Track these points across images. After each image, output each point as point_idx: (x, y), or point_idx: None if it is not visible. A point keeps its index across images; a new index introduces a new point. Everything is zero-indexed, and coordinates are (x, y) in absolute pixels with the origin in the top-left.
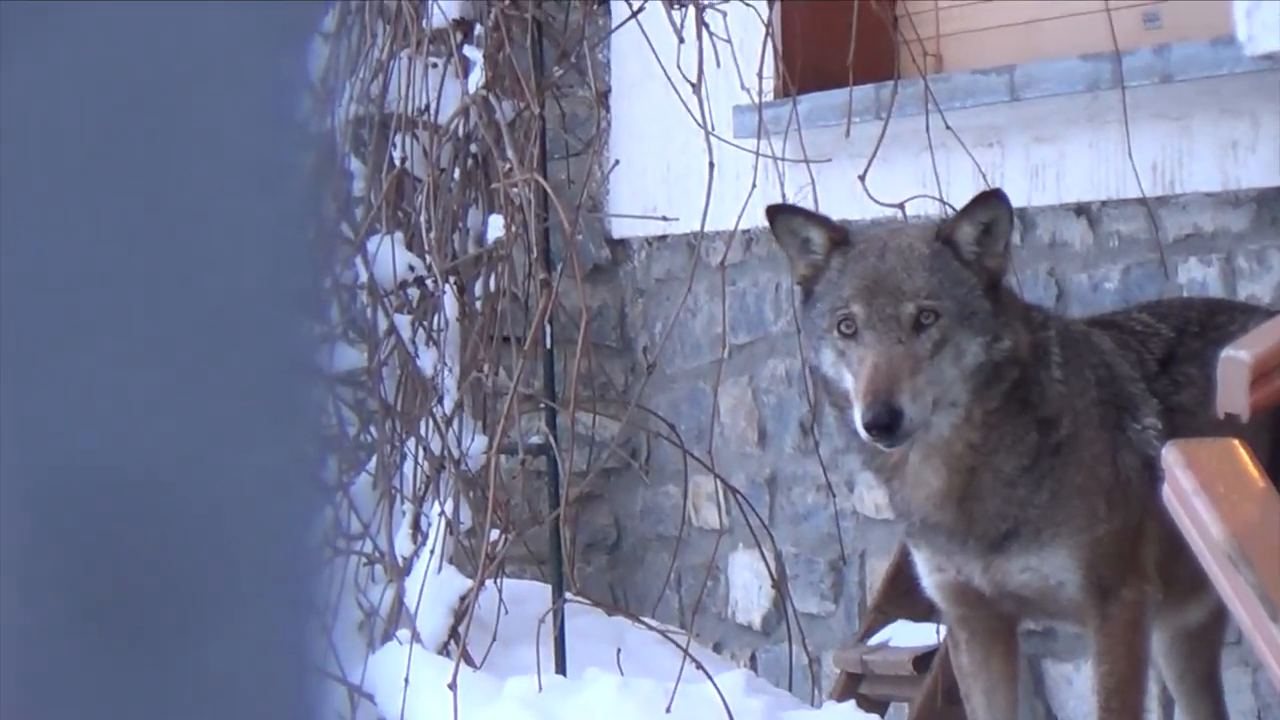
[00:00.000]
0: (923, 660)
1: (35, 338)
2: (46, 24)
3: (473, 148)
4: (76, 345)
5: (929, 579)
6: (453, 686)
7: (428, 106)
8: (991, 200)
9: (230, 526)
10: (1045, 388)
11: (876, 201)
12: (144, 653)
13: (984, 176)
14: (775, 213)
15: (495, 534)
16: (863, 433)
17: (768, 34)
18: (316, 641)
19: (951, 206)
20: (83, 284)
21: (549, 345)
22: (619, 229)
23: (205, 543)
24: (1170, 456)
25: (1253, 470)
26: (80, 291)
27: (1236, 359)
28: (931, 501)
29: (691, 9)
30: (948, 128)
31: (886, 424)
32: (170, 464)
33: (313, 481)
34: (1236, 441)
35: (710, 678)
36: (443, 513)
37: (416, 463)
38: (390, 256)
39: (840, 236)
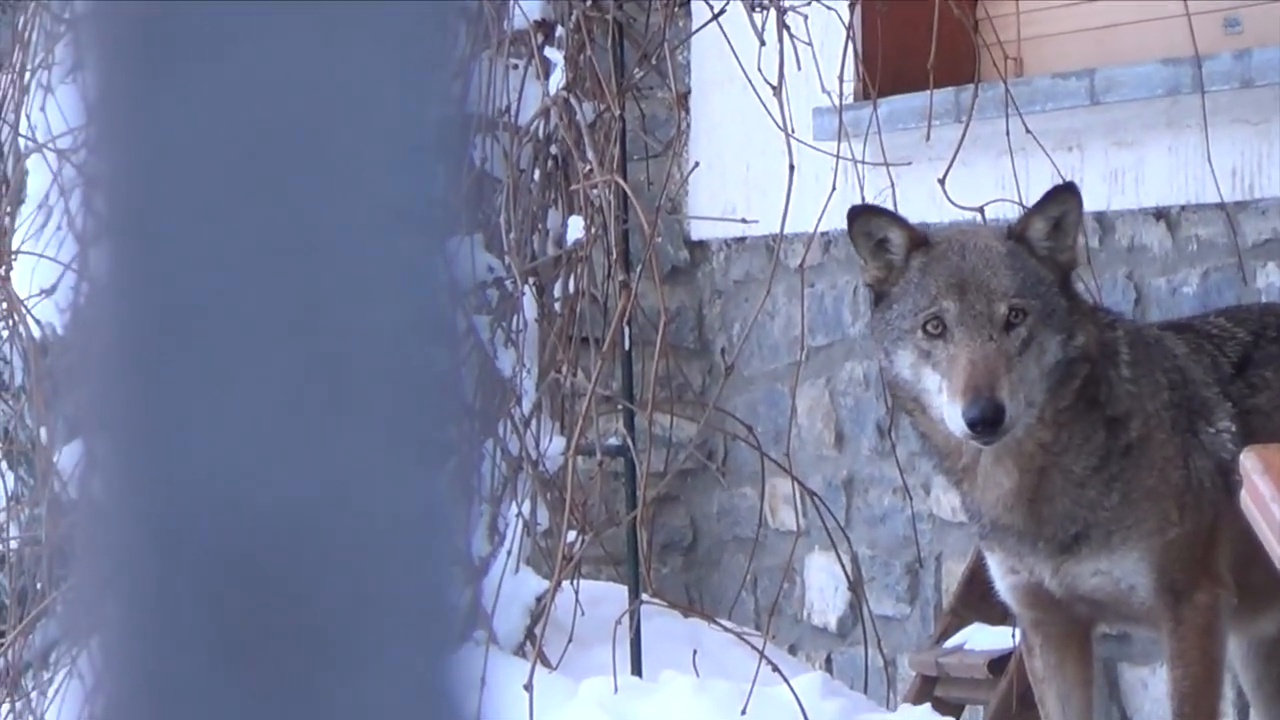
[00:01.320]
0: (998, 664)
1: (179, 365)
2: (209, 53)
3: (553, 149)
4: (221, 374)
5: (1002, 582)
6: (529, 688)
7: (508, 107)
8: (1061, 194)
9: (370, 561)
10: (1114, 387)
11: (956, 205)
12: (279, 690)
13: (1063, 178)
14: (856, 214)
15: (572, 535)
16: (963, 430)
17: (848, 37)
18: (454, 679)
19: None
20: (228, 312)
21: (627, 347)
22: (698, 231)
23: (344, 578)
24: (1248, 462)
25: None
26: (225, 319)
27: None
28: (1003, 503)
29: (773, 11)
30: (1028, 131)
31: (991, 419)
32: (310, 497)
33: (453, 517)
34: None
35: (786, 680)
36: (520, 513)
37: (494, 463)
38: (470, 257)
39: (920, 238)
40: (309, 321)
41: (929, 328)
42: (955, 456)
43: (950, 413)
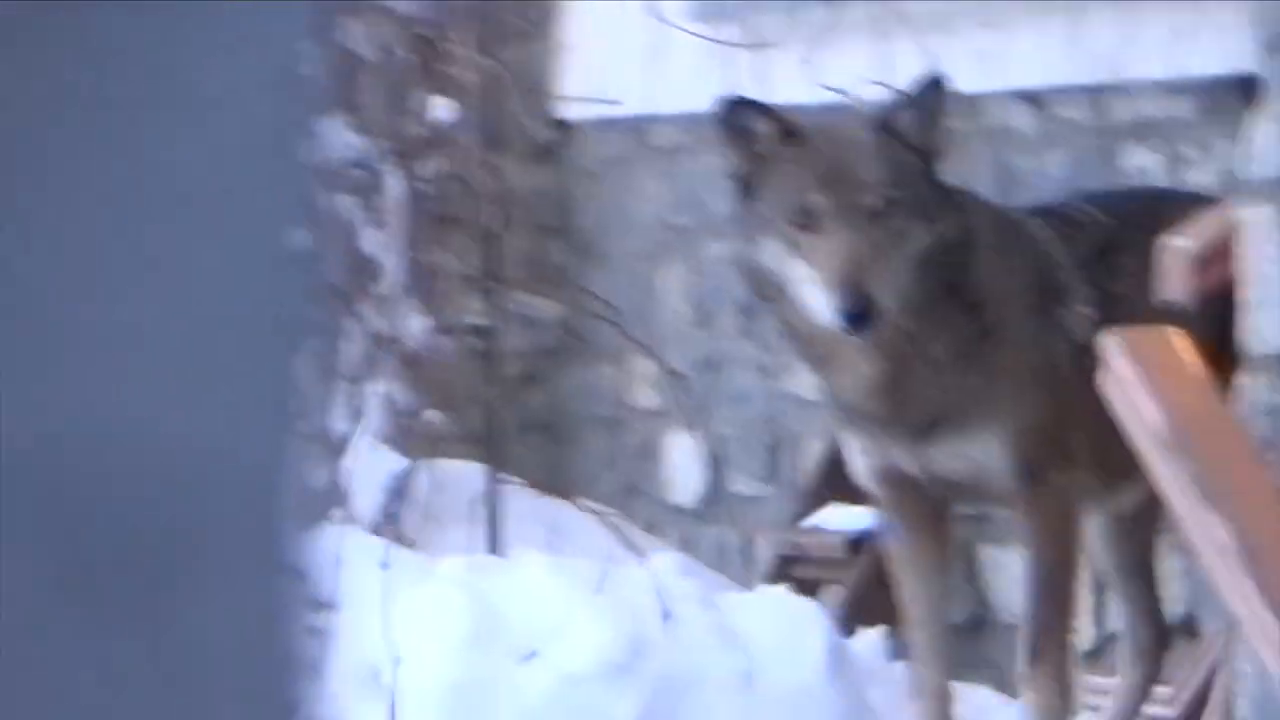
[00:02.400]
0: (856, 544)
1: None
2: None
3: (421, 30)
4: (67, 317)
5: (860, 464)
6: (386, 565)
7: None
8: (930, 84)
9: (216, 497)
10: (976, 272)
11: (824, 87)
12: (128, 620)
13: (931, 63)
14: (725, 104)
15: (432, 414)
16: (836, 322)
17: None
18: (301, 611)
19: (901, 92)
20: (76, 259)
21: (492, 226)
22: (565, 112)
23: (191, 514)
24: (1108, 344)
25: (1190, 359)
26: (72, 268)
27: (1177, 247)
28: (863, 390)
29: None
30: (894, 14)
31: (864, 311)
32: (157, 436)
33: (300, 455)
34: (1175, 330)
35: (643, 559)
36: (381, 392)
37: (357, 342)
38: (337, 137)
39: (789, 128)
40: (156, 265)
41: (798, 218)
42: (817, 344)
43: (821, 304)
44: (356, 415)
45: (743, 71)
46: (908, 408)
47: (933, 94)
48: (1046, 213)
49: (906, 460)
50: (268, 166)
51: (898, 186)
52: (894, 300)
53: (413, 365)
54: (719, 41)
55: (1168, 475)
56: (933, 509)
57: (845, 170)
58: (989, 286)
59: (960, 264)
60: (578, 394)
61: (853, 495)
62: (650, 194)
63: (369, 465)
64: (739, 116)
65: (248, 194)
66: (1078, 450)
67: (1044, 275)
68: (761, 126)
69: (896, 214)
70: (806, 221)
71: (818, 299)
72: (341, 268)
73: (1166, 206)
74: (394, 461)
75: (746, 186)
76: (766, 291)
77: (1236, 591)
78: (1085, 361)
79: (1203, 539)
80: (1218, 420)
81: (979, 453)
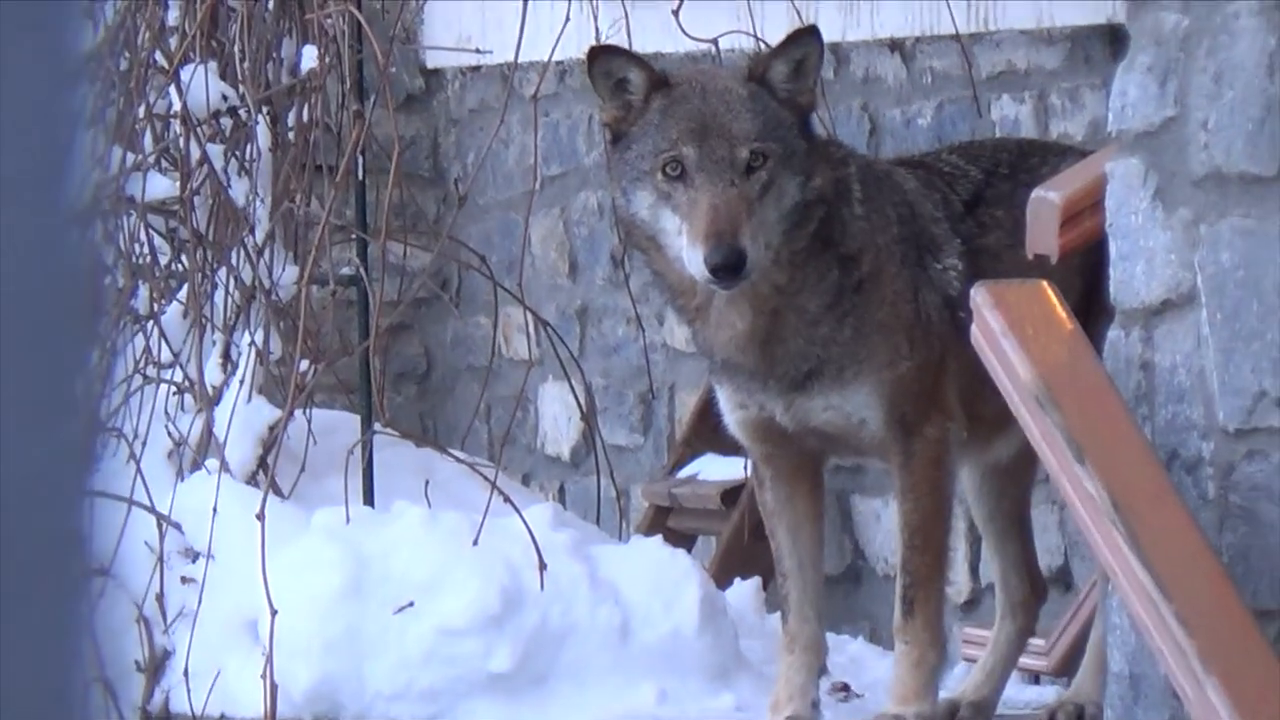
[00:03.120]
0: (730, 495)
1: None
2: None
3: None
4: None
5: (731, 416)
6: (260, 517)
7: None
8: (802, 37)
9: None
10: (847, 225)
11: (690, 37)
12: None
13: (798, 11)
14: (595, 53)
15: (305, 364)
16: (704, 275)
17: None
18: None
19: (765, 43)
20: None
21: (361, 175)
22: (433, 59)
23: None
24: (979, 297)
25: (1061, 312)
26: None
27: (1047, 200)
28: (735, 343)
29: None
30: None
31: (733, 264)
32: None
33: (81, 466)
34: (1046, 283)
35: (518, 511)
36: (253, 342)
37: (228, 292)
38: (204, 85)
39: (660, 79)
40: None
41: (668, 170)
42: (689, 296)
43: (691, 257)
44: (229, 366)
45: (609, 19)
46: (781, 360)
47: (806, 46)
48: (916, 165)
49: (780, 412)
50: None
51: (768, 139)
52: (764, 253)
53: (284, 315)
54: None
55: (1039, 429)
56: (806, 460)
57: (715, 121)
58: (860, 239)
59: (832, 217)
60: (451, 344)
61: (726, 446)
62: (519, 142)
63: (242, 416)
64: (609, 64)
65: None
66: (950, 402)
67: (913, 226)
68: (632, 75)
69: (766, 167)
70: (676, 173)
71: (687, 251)
72: (213, 217)
73: (1035, 158)
74: (267, 412)
75: (617, 136)
76: (639, 242)
77: (1107, 544)
78: (954, 314)
79: (1074, 492)
80: (1088, 374)
81: (852, 405)
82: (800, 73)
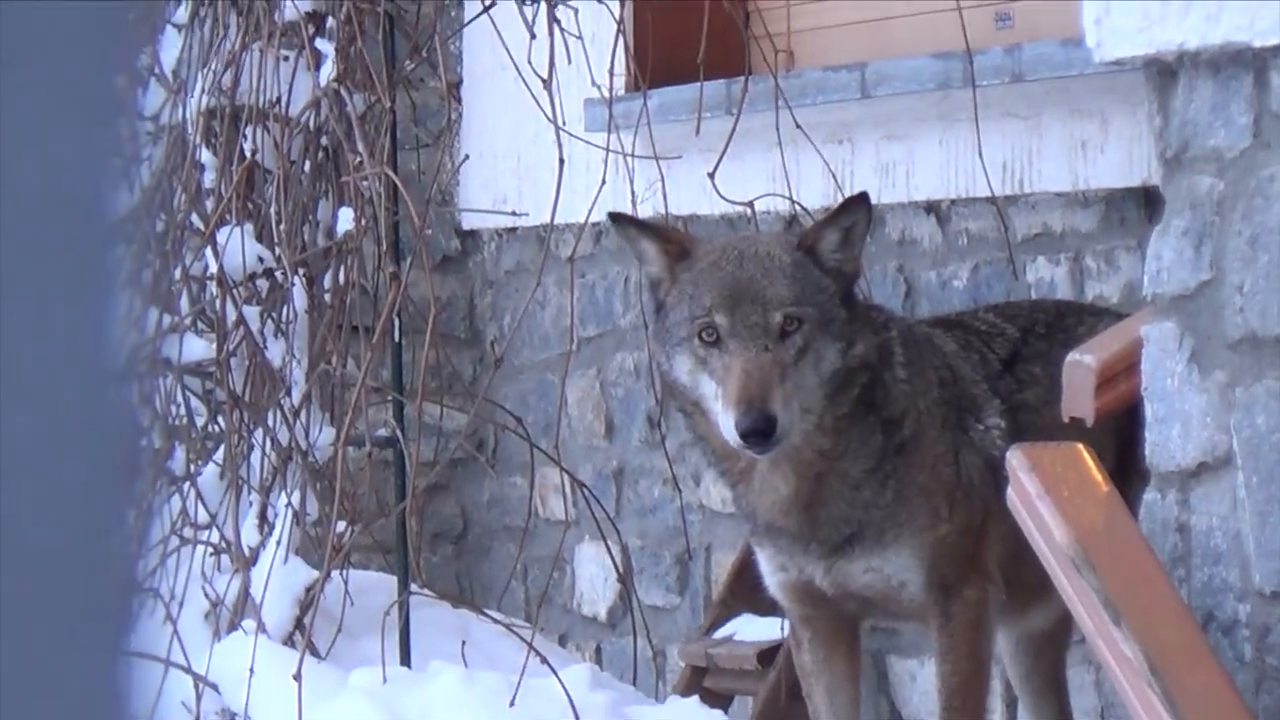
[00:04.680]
0: (767, 655)
1: None
2: None
3: (323, 140)
4: None
5: (772, 579)
6: (298, 678)
7: (279, 99)
8: (855, 205)
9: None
10: (889, 389)
11: (726, 199)
12: None
13: (834, 174)
14: (614, 221)
15: (341, 525)
16: (736, 441)
17: (619, 29)
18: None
19: (801, 205)
20: None
21: (397, 337)
22: (469, 221)
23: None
24: (1015, 460)
25: (1096, 475)
26: None
27: (1082, 363)
28: (778, 507)
29: (543, 4)
30: (798, 125)
31: (763, 430)
32: None
33: (122, 496)
34: (1081, 446)
35: (554, 672)
36: (289, 504)
37: (264, 453)
38: (240, 248)
39: (678, 250)
40: None
41: (704, 336)
42: (732, 460)
43: (724, 422)
44: (266, 527)
45: (646, 182)
46: (823, 524)
47: (857, 214)
48: (954, 324)
49: (820, 575)
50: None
51: (804, 304)
52: (798, 418)
53: (321, 476)
54: (621, 152)
55: (1075, 590)
56: (844, 623)
57: (749, 287)
58: (903, 403)
59: (875, 382)
60: (488, 504)
61: (763, 605)
62: (555, 303)
63: (279, 577)
64: (626, 234)
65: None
66: (990, 565)
67: (954, 389)
68: (647, 247)
69: (801, 332)
70: (711, 339)
71: (721, 416)
72: (249, 379)
73: (1072, 319)
74: (304, 573)
75: (657, 300)
76: (684, 406)
77: (1144, 706)
78: (996, 475)
79: (1111, 654)
80: (1124, 536)
81: (891, 568)
82: (848, 241)
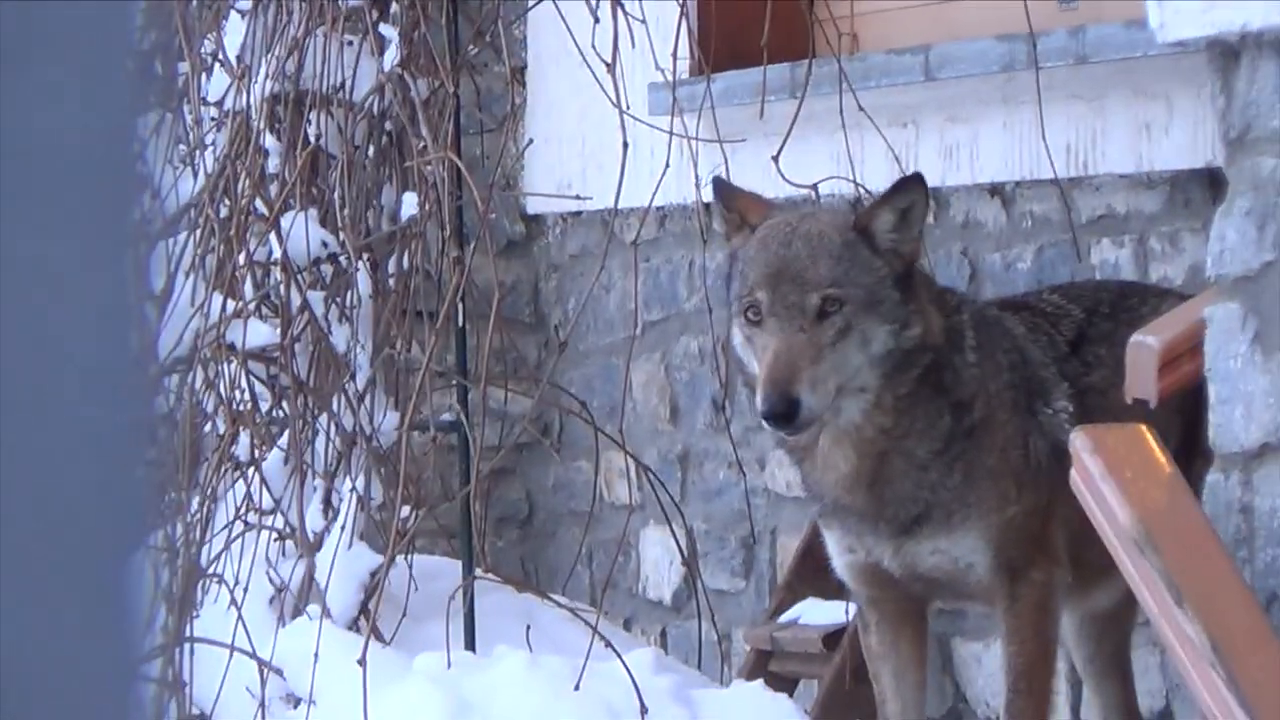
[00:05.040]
0: (832, 638)
1: None
2: None
3: (387, 125)
4: None
5: (839, 560)
6: (362, 662)
7: (343, 84)
8: (910, 185)
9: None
10: (959, 372)
11: (790, 182)
12: None
13: (897, 157)
14: (714, 184)
15: (406, 510)
16: (761, 422)
17: (683, 13)
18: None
19: (864, 187)
20: None
21: (461, 321)
22: (533, 206)
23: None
24: (1078, 442)
25: (1160, 456)
26: None
27: (1146, 344)
28: (842, 485)
29: None
30: (860, 109)
31: (783, 413)
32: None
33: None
34: (1144, 427)
35: (619, 656)
36: (354, 489)
37: (328, 439)
38: (304, 233)
39: (740, 222)
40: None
41: (749, 314)
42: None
43: (756, 402)
44: (330, 512)
45: (711, 166)
46: (889, 504)
47: (913, 194)
48: (1020, 306)
49: (888, 557)
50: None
51: (847, 285)
52: (830, 401)
53: (385, 461)
54: (685, 136)
55: (1139, 572)
56: (911, 605)
57: (791, 267)
58: (973, 386)
59: (944, 364)
60: (553, 489)
61: (829, 589)
62: (619, 288)
63: (344, 562)
64: (721, 197)
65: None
66: (1057, 547)
67: (1024, 372)
68: (726, 216)
69: (843, 313)
70: (755, 317)
71: (756, 396)
72: (314, 364)
73: (1135, 298)
74: (369, 558)
75: (728, 273)
76: (748, 380)
77: (1207, 687)
78: (1063, 459)
79: (1174, 635)
80: (1188, 517)
81: (959, 549)
82: (906, 222)
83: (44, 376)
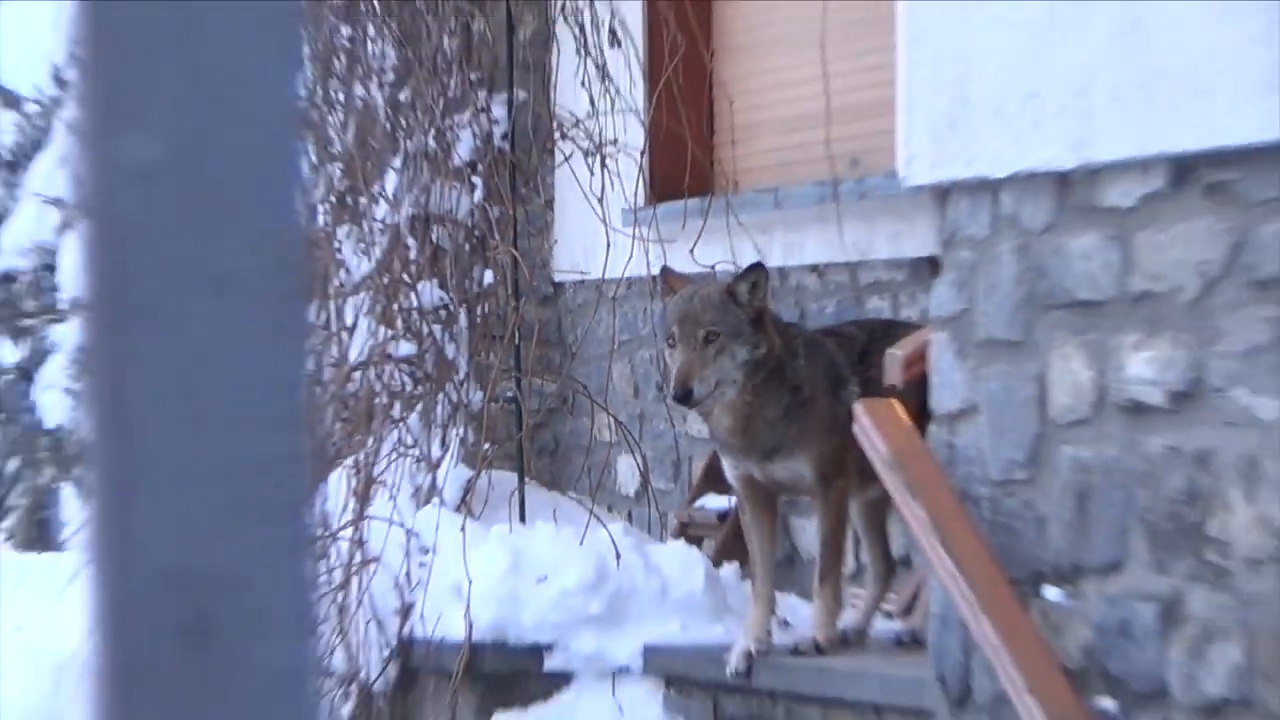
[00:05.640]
0: (723, 516)
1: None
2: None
3: (476, 232)
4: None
5: (729, 473)
6: (463, 529)
7: (452, 209)
8: (757, 268)
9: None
10: (795, 370)
11: (699, 264)
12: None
13: (759, 250)
14: (662, 271)
15: (487, 446)
16: (672, 401)
17: (639, 169)
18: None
19: (739, 268)
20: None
21: (517, 341)
22: (559, 277)
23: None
24: (858, 409)
25: (903, 416)
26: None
27: (895, 354)
28: (728, 432)
29: (598, 156)
30: (740, 223)
31: (683, 397)
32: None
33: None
34: (894, 400)
35: (605, 526)
36: (457, 433)
37: (444, 406)
38: (430, 292)
39: (671, 286)
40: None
41: (669, 340)
42: (697, 409)
43: (669, 389)
44: (445, 447)
45: (656, 255)
46: (755, 443)
47: (757, 274)
48: (831, 333)
49: (756, 472)
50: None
51: (720, 324)
52: (714, 389)
53: (475, 419)
54: (644, 239)
55: (890, 481)
56: (769, 497)
57: (690, 313)
58: (802, 377)
59: (784, 365)
60: (569, 433)
61: (722, 489)
62: (605, 323)
63: (453, 475)
64: (662, 275)
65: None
66: (849, 467)
67: (832, 370)
68: (665, 284)
69: (718, 341)
70: (672, 343)
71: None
72: (436, 365)
73: (893, 329)
74: (467, 472)
75: (662, 315)
76: (667, 378)
77: (928, 544)
78: (852, 419)
79: (910, 515)
80: (919, 450)
81: (798, 468)
82: (755, 288)
83: (216, 382)
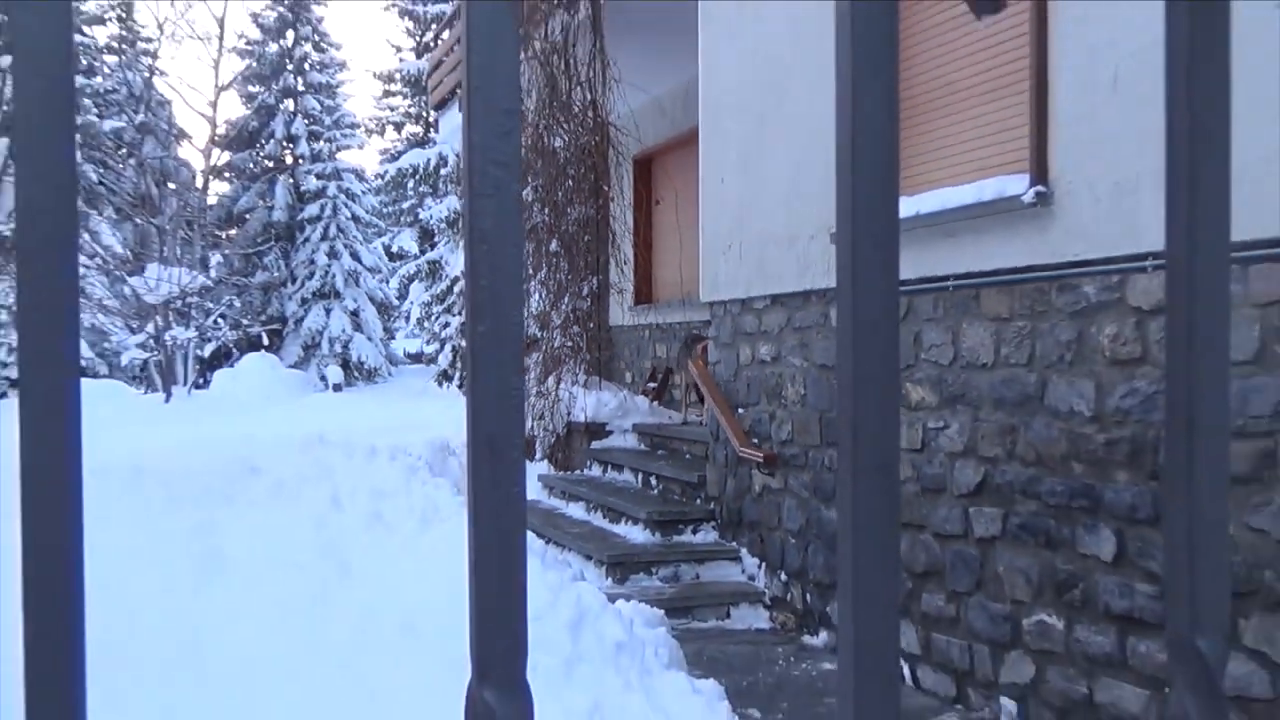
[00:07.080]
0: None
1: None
2: None
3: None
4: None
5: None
6: (583, 388)
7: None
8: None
9: None
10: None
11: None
12: None
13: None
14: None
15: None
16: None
17: (634, 284)
18: None
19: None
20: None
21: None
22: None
23: None
24: (690, 364)
25: (704, 366)
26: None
27: (700, 340)
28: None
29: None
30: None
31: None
32: None
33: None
34: (701, 360)
35: (626, 389)
36: (584, 361)
37: (579, 360)
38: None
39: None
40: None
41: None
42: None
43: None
44: (581, 364)
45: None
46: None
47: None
48: (697, 338)
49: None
50: None
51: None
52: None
53: (589, 363)
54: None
55: (699, 382)
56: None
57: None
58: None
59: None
60: (610, 359)
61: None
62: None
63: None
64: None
65: None
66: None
67: (689, 347)
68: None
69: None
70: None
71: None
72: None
73: (702, 337)
74: (584, 376)
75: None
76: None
77: (709, 395)
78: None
79: (705, 389)
80: (705, 373)
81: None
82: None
83: None
